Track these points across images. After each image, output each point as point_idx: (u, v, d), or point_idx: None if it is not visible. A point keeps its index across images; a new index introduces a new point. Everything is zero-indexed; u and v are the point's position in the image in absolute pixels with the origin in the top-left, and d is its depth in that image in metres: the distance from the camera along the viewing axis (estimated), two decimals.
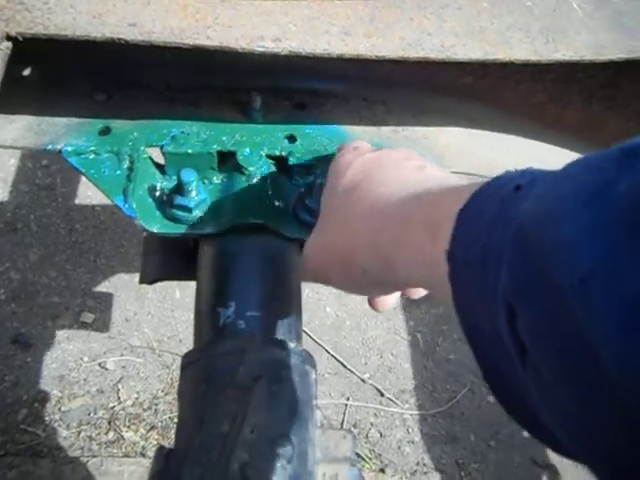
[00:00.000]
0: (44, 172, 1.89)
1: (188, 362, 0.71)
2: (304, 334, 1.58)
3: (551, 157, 1.01)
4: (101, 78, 0.87)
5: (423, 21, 0.73)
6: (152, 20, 0.68)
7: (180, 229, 0.79)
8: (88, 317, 1.63)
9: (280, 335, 0.73)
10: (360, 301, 1.70)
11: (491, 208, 0.35)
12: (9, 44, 0.66)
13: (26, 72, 0.86)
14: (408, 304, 1.71)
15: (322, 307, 1.68)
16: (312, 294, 1.69)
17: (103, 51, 0.72)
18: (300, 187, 0.82)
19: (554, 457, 1.50)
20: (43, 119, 0.84)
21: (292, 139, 0.86)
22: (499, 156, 0.97)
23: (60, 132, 0.83)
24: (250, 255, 0.78)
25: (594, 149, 1.15)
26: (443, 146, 0.91)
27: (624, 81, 0.92)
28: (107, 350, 1.59)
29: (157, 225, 0.78)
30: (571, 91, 0.94)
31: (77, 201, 1.84)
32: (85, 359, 1.57)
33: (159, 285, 1.48)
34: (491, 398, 1.58)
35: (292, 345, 0.71)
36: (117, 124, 0.84)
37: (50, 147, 0.82)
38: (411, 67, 0.76)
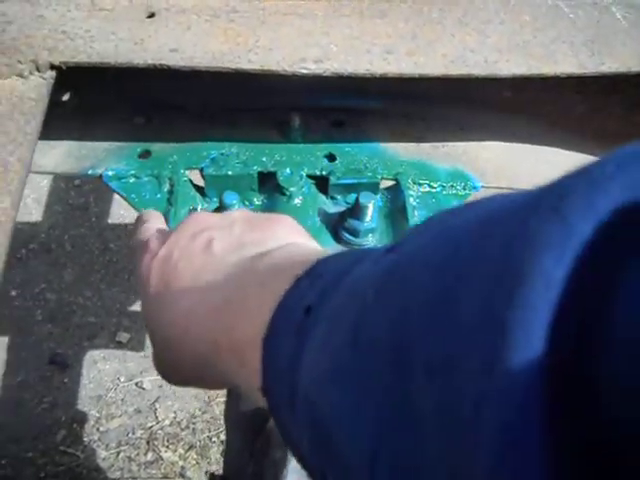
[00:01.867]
0: (77, 192, 1.91)
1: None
2: None
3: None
4: (140, 101, 0.87)
5: (465, 37, 0.73)
6: (193, 45, 0.68)
7: None
8: (124, 337, 1.63)
9: None
10: None
11: (287, 345, 0.33)
12: (53, 73, 0.67)
13: (66, 97, 0.87)
14: None
15: None
16: None
17: (143, 75, 0.72)
18: (341, 206, 0.82)
19: None
20: (83, 144, 0.84)
21: (332, 158, 0.85)
22: (540, 169, 0.96)
23: (100, 156, 0.83)
24: None
25: None
26: (484, 161, 0.91)
27: None
28: (143, 369, 1.59)
29: None
30: (612, 101, 0.93)
31: (110, 220, 1.85)
32: (122, 379, 1.58)
33: None
34: None
35: None
36: (157, 147, 0.84)
37: (91, 172, 0.82)
38: (452, 83, 0.76)
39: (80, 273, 1.74)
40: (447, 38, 0.72)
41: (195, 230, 0.49)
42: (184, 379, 0.50)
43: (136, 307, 1.67)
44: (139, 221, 0.61)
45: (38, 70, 0.67)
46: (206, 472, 0.65)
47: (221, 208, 0.76)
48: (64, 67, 0.66)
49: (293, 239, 0.47)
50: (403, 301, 0.25)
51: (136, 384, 1.56)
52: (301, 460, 0.34)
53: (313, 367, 0.30)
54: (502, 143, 0.94)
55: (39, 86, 0.67)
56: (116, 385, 1.56)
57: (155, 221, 0.60)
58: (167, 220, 0.78)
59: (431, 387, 0.22)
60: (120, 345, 1.62)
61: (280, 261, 0.41)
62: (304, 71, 0.68)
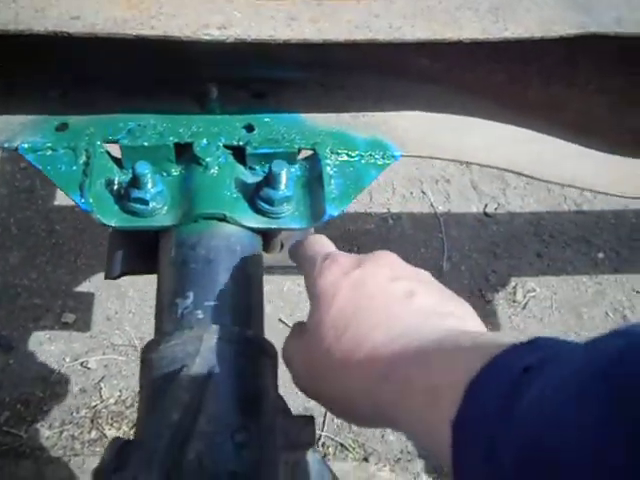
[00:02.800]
0: (23, 175, 1.89)
1: (147, 353, 0.70)
2: (285, 326, 1.58)
3: (516, 137, 1.01)
4: (56, 74, 0.87)
5: (371, 3, 0.73)
6: (95, 12, 0.68)
7: (138, 222, 0.79)
8: (69, 317, 1.63)
9: (239, 324, 0.72)
10: None
11: (497, 393, 0.36)
12: None
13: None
14: None
15: (304, 299, 1.69)
16: (293, 286, 1.70)
17: (56, 46, 0.71)
18: (258, 176, 0.82)
19: None
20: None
21: (250, 129, 0.85)
22: (462, 139, 0.96)
23: (17, 130, 0.82)
24: (208, 246, 0.77)
25: (557, 129, 1.14)
26: (403, 130, 0.91)
27: (582, 59, 0.92)
28: (89, 349, 1.60)
29: (115, 219, 0.78)
30: (530, 71, 0.94)
31: (56, 202, 1.84)
32: (67, 359, 1.58)
33: (140, 283, 1.47)
34: None
35: (250, 333, 0.71)
36: (74, 120, 0.84)
37: (7, 145, 0.81)
38: (367, 51, 0.76)
39: (26, 255, 1.73)
40: (352, 4, 0.73)
41: (392, 274, 0.55)
42: (328, 399, 0.58)
43: (82, 288, 1.67)
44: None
45: None
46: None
47: (134, 178, 0.75)
48: None
49: (482, 326, 0.53)
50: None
51: (81, 364, 1.57)
52: None
53: (534, 415, 0.33)
54: (423, 113, 0.95)
55: None
56: (61, 366, 1.56)
57: (318, 237, 0.67)
58: (82, 192, 0.78)
59: None
60: (66, 326, 1.62)
61: (491, 335, 0.46)
62: (207, 37, 0.67)
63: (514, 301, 1.74)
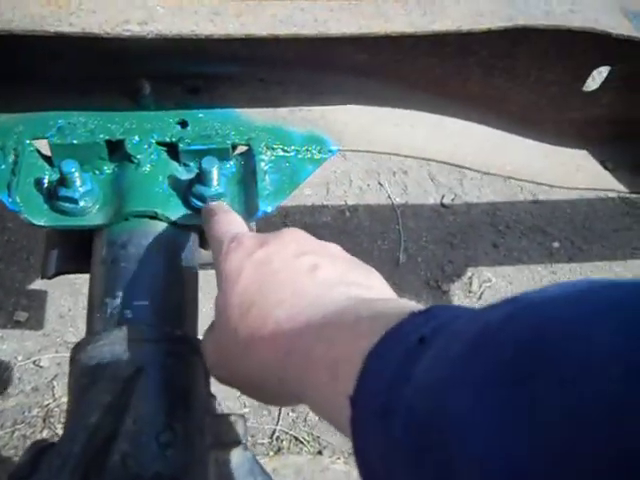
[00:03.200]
0: None
1: (74, 354, 0.69)
2: None
3: (456, 129, 1.01)
4: None
5: None
6: (12, 8, 0.66)
7: (68, 221, 0.77)
8: (22, 316, 1.61)
9: (169, 324, 0.72)
10: None
11: (393, 362, 0.36)
12: None
13: None
14: None
15: None
16: None
17: None
18: (192, 173, 0.81)
19: None
20: None
21: (184, 124, 0.84)
22: (402, 132, 0.96)
23: None
24: (139, 244, 0.76)
25: (502, 121, 1.14)
26: (342, 124, 0.91)
27: (521, 51, 0.92)
28: (42, 348, 1.58)
29: (44, 218, 0.77)
30: (470, 64, 0.94)
31: None
32: (19, 358, 1.56)
33: None
34: None
35: (179, 333, 0.70)
36: (2, 118, 0.82)
37: None
38: (301, 45, 0.75)
39: None
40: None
41: (297, 250, 0.54)
42: (239, 380, 0.57)
43: (34, 286, 1.64)
44: (209, 212, 0.68)
45: None
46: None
47: (61, 177, 0.74)
48: None
49: (390, 293, 0.52)
50: (532, 327, 0.28)
51: (34, 362, 1.55)
52: (365, 467, 0.37)
53: (425, 379, 0.32)
54: (361, 106, 0.94)
55: None
56: (13, 364, 1.54)
57: (229, 215, 0.66)
58: (9, 191, 0.76)
59: (562, 395, 0.25)
60: (18, 324, 1.59)
61: (392, 304, 0.45)
62: (127, 33, 0.66)
63: (470, 291, 1.75)
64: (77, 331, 1.59)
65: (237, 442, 0.69)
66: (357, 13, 0.72)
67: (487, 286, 1.77)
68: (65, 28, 0.66)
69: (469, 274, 1.79)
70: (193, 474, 0.64)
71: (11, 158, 0.78)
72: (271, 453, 1.42)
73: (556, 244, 1.87)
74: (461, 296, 1.74)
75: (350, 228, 1.83)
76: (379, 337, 0.38)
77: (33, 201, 0.77)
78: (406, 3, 0.75)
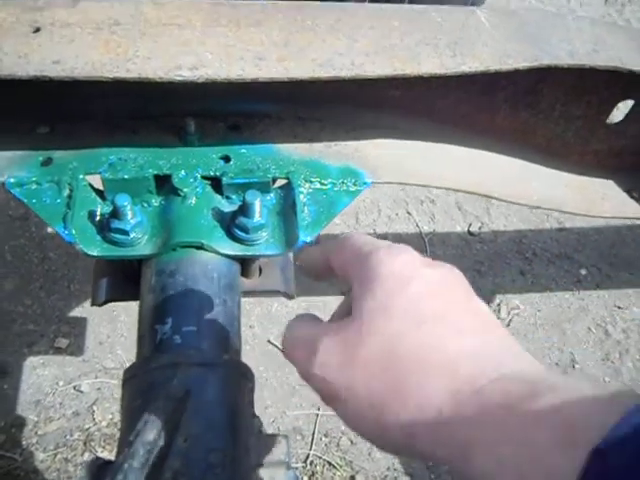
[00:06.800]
0: (17, 203, 1.92)
1: (127, 377, 0.74)
2: (273, 347, 1.61)
3: (485, 161, 1.05)
4: (43, 111, 0.90)
5: (335, 42, 0.77)
6: (75, 56, 0.71)
7: (119, 252, 0.82)
8: (62, 342, 1.66)
9: (215, 349, 0.76)
10: (328, 312, 1.72)
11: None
12: None
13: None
14: None
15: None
16: (281, 308, 1.73)
17: (41, 87, 0.75)
18: (235, 205, 0.86)
19: None
20: None
21: (227, 159, 0.89)
22: (433, 164, 1.00)
23: (3, 165, 0.86)
24: (186, 273, 0.80)
25: (528, 153, 1.18)
26: (375, 158, 0.95)
27: (546, 87, 0.96)
28: (82, 373, 1.62)
29: (97, 249, 0.81)
30: (497, 100, 0.98)
31: (49, 230, 1.87)
32: (60, 383, 1.61)
33: (132, 307, 1.50)
34: None
35: (226, 357, 0.74)
36: (58, 154, 0.87)
37: None
38: (338, 85, 0.80)
39: (20, 282, 1.76)
40: (318, 43, 0.77)
41: (467, 296, 0.50)
42: (357, 395, 0.47)
43: (75, 313, 1.69)
44: (342, 240, 0.56)
45: None
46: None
47: (114, 210, 0.79)
48: None
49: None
50: None
51: (74, 387, 1.59)
52: None
53: None
54: (395, 140, 0.99)
55: None
56: (54, 389, 1.59)
57: (363, 235, 0.56)
58: (65, 224, 0.81)
59: None
60: (59, 351, 1.64)
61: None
62: (179, 78, 0.71)
63: (498, 318, 1.77)
64: (115, 357, 1.63)
65: (281, 462, 0.73)
66: (391, 56, 0.77)
67: (515, 313, 1.79)
68: (122, 74, 0.71)
69: (497, 301, 1.81)
70: None
71: (66, 192, 0.83)
72: (305, 478, 1.45)
73: (583, 271, 1.89)
74: None
75: None
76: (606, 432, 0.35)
77: (87, 233, 0.82)
78: (437, 46, 0.79)
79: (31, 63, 0.71)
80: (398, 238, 1.92)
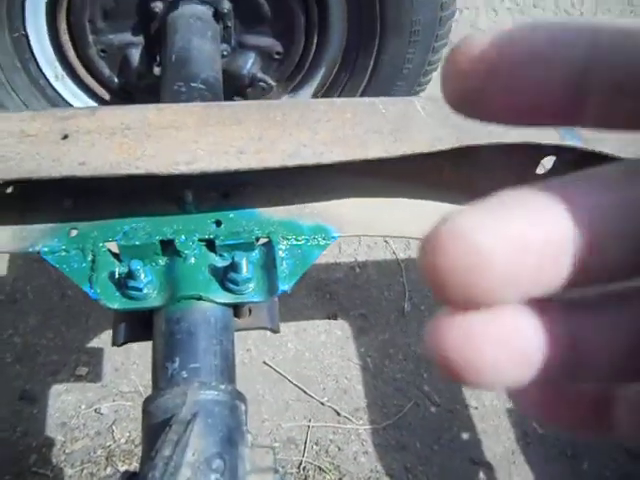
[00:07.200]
0: None
1: (146, 406, 0.91)
2: (269, 367, 1.77)
3: (436, 210, 1.22)
4: (68, 188, 1.07)
5: (300, 135, 0.94)
6: (96, 158, 0.88)
7: (135, 305, 0.99)
8: (82, 370, 1.81)
9: (214, 380, 0.92)
10: (316, 334, 1.89)
11: None
12: None
13: (9, 190, 1.06)
14: (358, 333, 1.91)
15: (284, 343, 1.87)
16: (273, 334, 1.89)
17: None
18: (227, 260, 1.02)
19: (489, 456, 1.69)
20: (24, 227, 1.04)
21: (218, 224, 1.06)
22: (391, 217, 1.17)
23: (38, 236, 1.03)
24: (189, 320, 0.97)
25: (474, 200, 1.38)
26: (340, 216, 1.12)
27: (481, 151, 1.13)
28: (101, 397, 1.77)
29: (117, 303, 0.98)
30: (442, 161, 1.15)
31: None
32: (82, 407, 1.75)
33: None
34: (433, 409, 1.78)
35: (223, 387, 0.91)
36: (81, 226, 1.04)
37: (30, 249, 1.01)
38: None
39: (42, 318, 1.92)
40: (286, 137, 0.94)
41: None
42: None
43: (92, 344, 1.85)
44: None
45: None
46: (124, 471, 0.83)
47: (130, 272, 0.96)
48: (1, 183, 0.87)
49: None
50: None
51: (95, 410, 1.74)
52: None
53: None
54: (356, 199, 1.16)
55: None
56: (78, 412, 1.74)
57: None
58: (90, 284, 0.98)
59: None
60: (80, 378, 1.79)
61: None
62: (177, 172, 0.88)
63: None
64: (130, 382, 1.79)
65: (269, 468, 0.89)
66: (344, 145, 0.94)
67: None
68: (133, 171, 0.88)
69: None
70: None
71: (90, 257, 1.00)
72: None
73: None
74: None
75: (360, 282, 2.03)
76: None
77: (108, 290, 0.98)
78: (382, 133, 0.96)
79: (63, 165, 0.88)
80: (377, 265, 2.09)
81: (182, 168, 0.88)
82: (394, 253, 2.12)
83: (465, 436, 1.73)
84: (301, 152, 0.92)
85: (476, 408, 1.78)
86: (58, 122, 0.93)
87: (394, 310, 1.98)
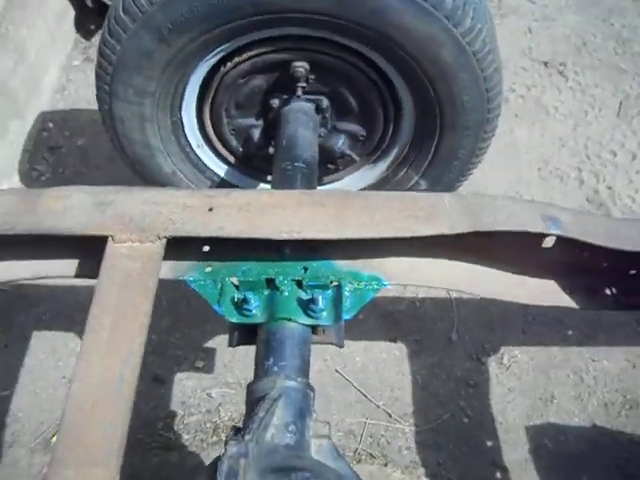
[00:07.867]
0: None
1: (249, 387, 1.31)
2: (339, 375, 2.15)
3: (457, 268, 1.57)
4: (207, 239, 1.49)
5: (363, 217, 1.33)
6: (230, 225, 1.30)
7: (247, 320, 1.37)
8: (200, 364, 2.21)
9: (294, 374, 1.31)
10: (379, 352, 2.26)
11: None
12: (164, 240, 1.31)
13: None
14: (412, 354, 2.26)
15: (353, 357, 2.23)
16: (345, 348, 2.27)
17: None
18: (309, 295, 1.41)
19: (506, 461, 2.01)
20: (178, 263, 1.47)
21: (305, 270, 1.43)
22: (426, 272, 1.54)
23: (185, 270, 1.45)
24: (282, 333, 1.36)
25: (483, 261, 1.70)
26: (391, 269, 1.48)
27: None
28: (212, 385, 2.16)
29: (235, 318, 1.37)
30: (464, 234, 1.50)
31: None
32: (198, 391, 2.15)
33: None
34: (466, 420, 2.11)
35: (300, 379, 1.29)
36: (214, 264, 1.44)
37: (180, 278, 1.44)
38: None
39: (172, 321, 2.32)
40: (354, 217, 1.33)
41: None
42: None
43: (208, 344, 2.25)
44: None
45: (159, 238, 1.31)
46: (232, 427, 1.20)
47: (245, 299, 1.37)
48: (170, 237, 1.30)
49: None
50: None
51: (207, 394, 2.13)
52: None
53: None
54: (403, 258, 1.53)
55: (159, 246, 1.31)
56: (194, 394, 2.13)
57: None
58: (219, 305, 1.40)
59: None
60: (197, 369, 2.19)
61: None
62: (281, 238, 1.29)
63: (501, 364, 2.21)
64: (234, 375, 2.18)
65: (325, 435, 1.27)
66: (392, 225, 1.32)
67: (514, 360, 2.24)
68: (256, 235, 1.29)
69: (502, 351, 2.26)
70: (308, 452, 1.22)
71: (219, 286, 1.40)
72: (354, 462, 1.97)
73: (570, 332, 2.32)
74: (494, 367, 2.22)
75: (418, 314, 2.37)
76: None
77: (230, 309, 1.38)
78: (417, 218, 1.34)
79: (208, 229, 1.30)
80: (433, 301, 2.42)
81: (285, 235, 1.29)
82: (448, 293, 2.46)
83: (489, 443, 2.04)
84: (362, 229, 1.31)
85: (501, 423, 2.09)
86: (207, 199, 1.35)
87: (443, 338, 2.31)
